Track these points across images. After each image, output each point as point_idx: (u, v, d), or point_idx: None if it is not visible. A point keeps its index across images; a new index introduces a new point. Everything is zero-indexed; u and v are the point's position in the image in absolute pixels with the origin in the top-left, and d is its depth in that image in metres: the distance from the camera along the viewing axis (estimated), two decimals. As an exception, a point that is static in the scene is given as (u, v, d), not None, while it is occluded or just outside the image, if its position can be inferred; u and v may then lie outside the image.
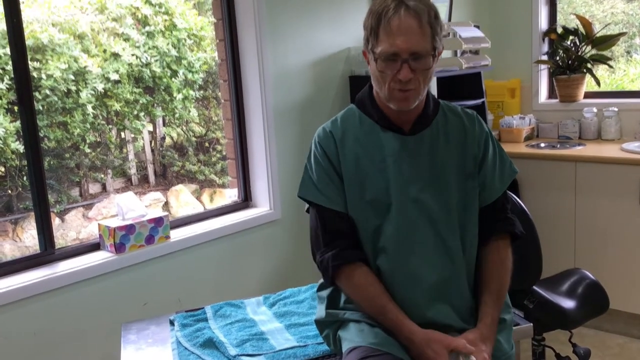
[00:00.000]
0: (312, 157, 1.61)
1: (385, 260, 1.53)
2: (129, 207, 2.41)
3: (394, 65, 1.44)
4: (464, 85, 3.39)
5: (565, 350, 2.25)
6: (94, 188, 4.71)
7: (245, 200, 2.93)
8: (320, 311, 1.67)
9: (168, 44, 4.57)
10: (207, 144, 5.38)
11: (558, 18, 3.97)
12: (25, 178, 3.90)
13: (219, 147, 5.33)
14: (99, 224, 2.40)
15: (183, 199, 4.90)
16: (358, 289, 1.54)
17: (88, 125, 4.22)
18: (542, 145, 3.60)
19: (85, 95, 4.12)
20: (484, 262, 1.60)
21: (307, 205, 1.63)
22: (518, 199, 2.17)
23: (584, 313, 2.23)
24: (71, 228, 4.41)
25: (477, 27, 3.68)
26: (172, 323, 1.95)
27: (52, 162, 4.25)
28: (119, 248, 2.32)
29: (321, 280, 1.69)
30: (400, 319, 1.48)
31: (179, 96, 4.71)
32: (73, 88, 4.07)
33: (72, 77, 4.06)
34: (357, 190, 1.54)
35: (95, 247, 2.39)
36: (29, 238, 4.11)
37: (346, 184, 1.55)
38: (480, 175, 1.60)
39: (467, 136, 1.60)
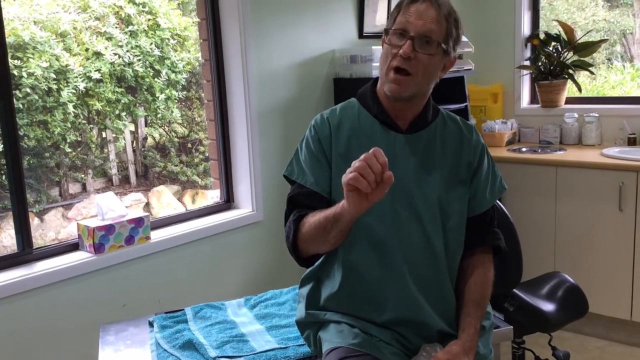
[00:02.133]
0: (304, 141, 1.61)
1: (367, 252, 1.53)
2: (108, 207, 2.38)
3: (401, 41, 1.46)
4: (448, 89, 3.41)
5: (544, 353, 2.26)
6: (74, 188, 4.66)
7: (228, 201, 2.92)
8: (301, 311, 1.67)
9: (151, 43, 4.54)
10: (189, 145, 5.35)
11: (540, 24, 4.01)
12: (3, 177, 3.85)
13: (201, 148, 5.30)
14: (78, 224, 2.37)
15: (164, 200, 4.86)
16: (308, 219, 1.48)
17: (69, 125, 4.18)
18: (524, 149, 3.63)
19: (66, 94, 4.08)
20: (467, 273, 1.60)
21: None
22: (499, 202, 2.18)
23: (564, 316, 2.25)
24: (50, 228, 4.36)
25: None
26: (151, 324, 1.93)
27: (31, 162, 4.20)
28: (98, 248, 2.29)
29: (303, 275, 1.68)
30: (332, 208, 1.40)
31: (162, 96, 4.68)
32: (54, 87, 4.03)
33: (53, 75, 4.02)
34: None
35: (74, 247, 2.36)
36: (7, 238, 4.06)
37: (334, 172, 1.55)
38: (472, 185, 1.61)
39: (464, 144, 1.61)
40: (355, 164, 1.26)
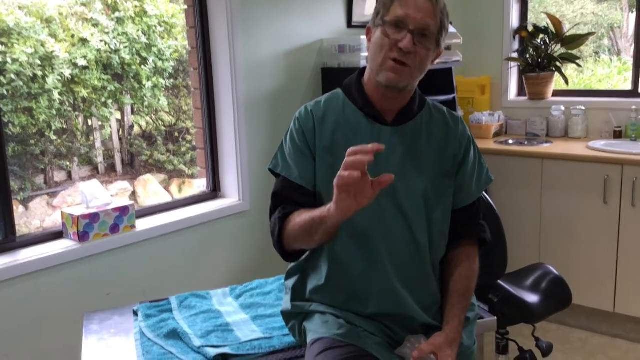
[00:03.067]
0: (288, 134, 1.60)
1: (352, 247, 1.53)
2: (93, 195, 2.36)
3: (399, 34, 1.45)
4: (436, 81, 3.41)
5: (528, 344, 2.28)
6: (59, 176, 4.62)
7: (214, 190, 2.90)
8: (286, 302, 1.67)
9: (138, 30, 4.50)
10: (176, 134, 5.32)
11: (529, 16, 4.02)
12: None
13: (189, 137, 5.28)
14: (62, 212, 2.35)
15: (151, 189, 4.84)
16: (294, 217, 1.48)
17: (54, 112, 4.14)
18: (511, 141, 3.65)
19: (51, 80, 4.04)
20: (452, 265, 1.60)
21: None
22: (485, 194, 2.19)
23: (547, 307, 2.27)
24: (35, 216, 4.32)
25: (450, 23, 3.69)
26: (135, 313, 1.92)
27: (16, 149, 4.16)
28: (82, 237, 2.27)
29: (288, 268, 1.68)
30: (319, 210, 1.40)
31: (149, 84, 4.65)
32: (39, 73, 3.99)
33: (38, 62, 3.97)
34: (327, 172, 1.53)
35: (58, 235, 2.34)
36: (-10, 225, 4.01)
37: (318, 164, 1.54)
38: (458, 177, 1.60)
39: (449, 135, 1.60)
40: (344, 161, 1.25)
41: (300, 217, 1.45)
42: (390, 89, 1.51)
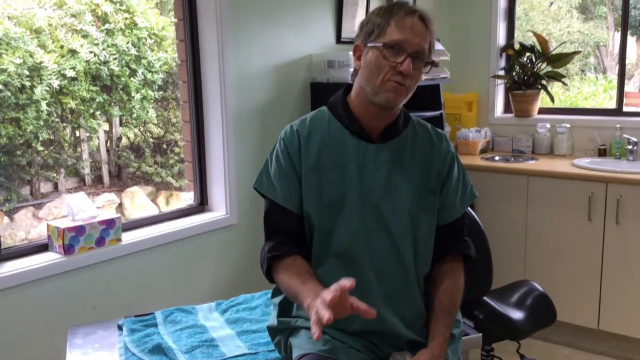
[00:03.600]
0: (274, 153, 1.61)
1: (338, 264, 1.53)
2: (79, 207, 2.35)
3: (398, 57, 1.46)
4: (424, 97, 3.44)
5: (513, 360, 2.29)
6: (45, 187, 4.59)
7: (201, 204, 2.90)
8: (273, 318, 1.67)
9: (128, 42, 4.50)
10: (165, 146, 5.31)
11: (516, 34, 4.07)
12: (-28, 174, 3.78)
13: (177, 149, 5.27)
14: (47, 224, 2.33)
15: (138, 201, 4.82)
16: (285, 270, 1.52)
17: (42, 123, 4.12)
18: (497, 158, 3.68)
19: (39, 91, 4.02)
20: (437, 281, 1.61)
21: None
22: (471, 210, 2.20)
23: (532, 324, 2.28)
24: (20, 228, 4.29)
25: (437, 40, 3.73)
26: (120, 328, 1.91)
27: (2, 159, 4.13)
28: (67, 249, 2.26)
29: (275, 286, 1.69)
30: (304, 294, 1.41)
31: (137, 96, 4.64)
32: (27, 84, 3.97)
33: (26, 72, 3.96)
34: (314, 191, 1.54)
35: (43, 247, 2.32)
36: (-26, 237, 3.97)
37: (304, 184, 1.55)
38: (442, 194, 1.62)
39: (433, 152, 1.62)
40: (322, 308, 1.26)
41: (288, 283, 1.49)
42: (385, 108, 1.53)
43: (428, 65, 1.52)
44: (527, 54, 3.90)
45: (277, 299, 1.67)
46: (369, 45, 1.50)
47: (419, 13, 1.49)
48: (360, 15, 3.40)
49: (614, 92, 3.77)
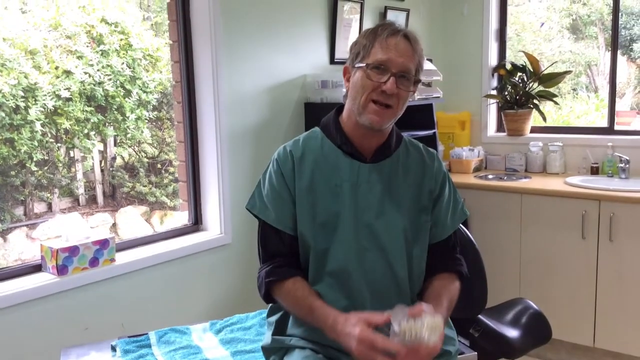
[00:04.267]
0: (267, 173, 1.62)
1: (333, 284, 1.54)
2: (73, 228, 2.35)
3: (382, 76, 1.48)
4: (417, 116, 3.46)
5: (508, 379, 2.28)
6: (39, 207, 4.57)
7: (196, 223, 2.90)
8: (267, 337, 1.66)
9: (123, 63, 4.52)
10: (159, 166, 5.31)
11: (507, 54, 4.12)
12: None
13: (171, 169, 5.27)
14: (41, 245, 2.32)
15: (132, 221, 4.80)
16: (287, 295, 1.54)
17: (36, 143, 4.12)
18: (490, 176, 3.69)
19: (34, 111, 4.03)
20: (430, 286, 1.61)
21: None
22: (465, 229, 2.21)
23: (528, 342, 2.27)
24: (14, 248, 4.26)
25: (430, 60, 3.77)
26: (114, 349, 1.90)
27: (-4, 180, 4.12)
28: (61, 270, 2.25)
29: (271, 305, 1.68)
30: (326, 311, 1.46)
31: (132, 116, 4.65)
32: (22, 104, 3.97)
33: (21, 93, 3.96)
34: (308, 211, 1.55)
35: (36, 268, 2.31)
36: (-33, 258, 3.95)
37: (298, 205, 1.55)
38: (434, 212, 1.63)
39: (425, 171, 1.63)
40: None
41: (303, 300, 1.51)
42: (371, 129, 1.54)
43: (416, 84, 1.54)
44: (519, 73, 3.95)
45: (273, 318, 1.66)
46: (355, 66, 1.53)
47: (404, 32, 1.51)
48: (354, 36, 3.43)
49: (605, 111, 3.81)
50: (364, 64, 1.50)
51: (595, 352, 3.19)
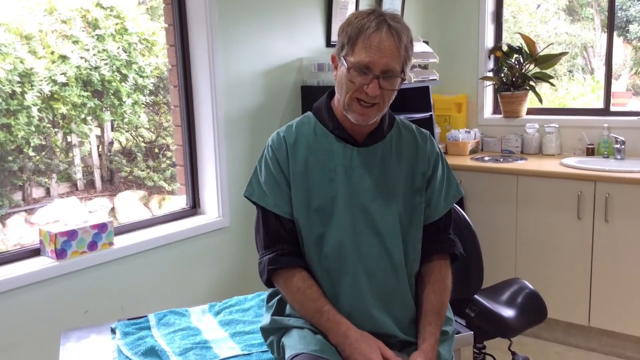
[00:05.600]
0: (262, 160, 1.63)
1: (328, 268, 1.55)
2: (71, 212, 2.36)
3: (364, 78, 1.47)
4: (413, 99, 3.46)
5: (505, 358, 2.31)
6: (37, 192, 4.57)
7: (194, 207, 2.91)
8: (266, 318, 1.68)
9: (118, 47, 4.50)
10: (156, 150, 5.31)
11: (504, 36, 4.11)
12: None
13: (169, 154, 5.27)
14: (39, 229, 2.34)
15: (130, 206, 4.81)
16: (295, 292, 1.56)
17: (33, 128, 4.11)
18: (486, 158, 3.71)
19: (30, 97, 4.02)
20: (425, 280, 1.63)
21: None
22: (461, 210, 2.22)
23: (523, 322, 2.30)
24: (12, 233, 4.28)
25: (427, 42, 3.76)
26: (113, 331, 1.92)
27: (-7, 165, 4.12)
28: (59, 254, 2.27)
29: (271, 290, 1.70)
30: (337, 318, 1.51)
31: (129, 101, 4.64)
32: (18, 89, 3.96)
33: (17, 78, 3.95)
34: (303, 196, 1.56)
35: (35, 252, 2.33)
36: (-34, 243, 3.96)
37: (293, 190, 1.57)
38: (427, 193, 1.64)
39: (418, 153, 1.64)
40: None
41: (311, 302, 1.54)
42: (361, 126, 1.56)
43: (401, 80, 1.52)
44: (515, 55, 3.94)
45: (273, 301, 1.68)
46: (341, 59, 1.51)
47: (388, 26, 1.46)
48: (350, 19, 3.42)
49: (601, 93, 3.82)
50: (347, 65, 1.48)
51: (591, 331, 3.23)
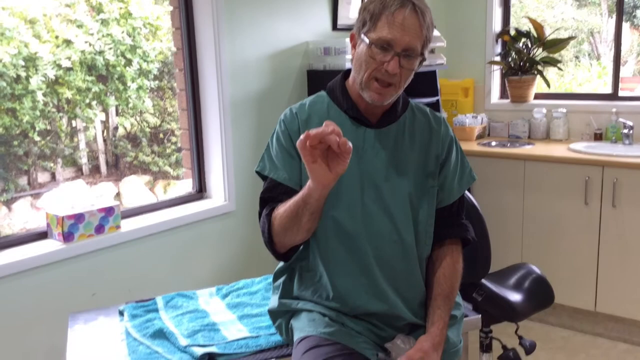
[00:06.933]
0: (274, 135, 1.61)
1: (339, 247, 1.54)
2: (78, 195, 2.35)
3: (385, 56, 1.45)
4: (420, 83, 3.43)
5: (511, 342, 2.31)
6: (43, 177, 4.58)
7: (200, 191, 2.91)
8: (274, 301, 1.68)
9: (123, 32, 4.49)
10: (161, 135, 5.31)
11: (511, 21, 4.07)
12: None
13: (173, 139, 5.27)
14: (46, 212, 2.34)
15: (136, 190, 4.82)
16: (276, 213, 1.48)
17: (38, 113, 4.11)
18: (493, 143, 3.69)
19: (35, 81, 4.01)
20: (437, 265, 1.63)
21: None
22: (469, 195, 2.21)
23: (530, 306, 2.30)
24: (18, 218, 4.29)
25: (434, 26, 3.73)
26: (121, 313, 1.92)
27: (-1, 150, 4.12)
28: (67, 237, 2.27)
29: (276, 269, 1.70)
30: (300, 192, 1.41)
31: (133, 85, 4.63)
32: (23, 74, 3.95)
33: (22, 62, 3.94)
34: None
35: (42, 235, 2.33)
36: (-28, 227, 3.98)
37: (304, 166, 1.55)
38: (440, 176, 1.63)
39: (432, 136, 1.62)
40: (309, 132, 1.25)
41: (285, 206, 1.46)
42: (376, 106, 1.54)
43: (420, 60, 1.50)
44: (523, 39, 3.91)
45: (279, 281, 1.68)
46: (361, 36, 1.49)
47: (412, 4, 1.44)
48: (356, 2, 3.39)
49: (607, 79, 3.79)
50: (368, 41, 1.46)
51: (597, 317, 3.23)
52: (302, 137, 1.25)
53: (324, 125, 1.25)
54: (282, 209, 1.47)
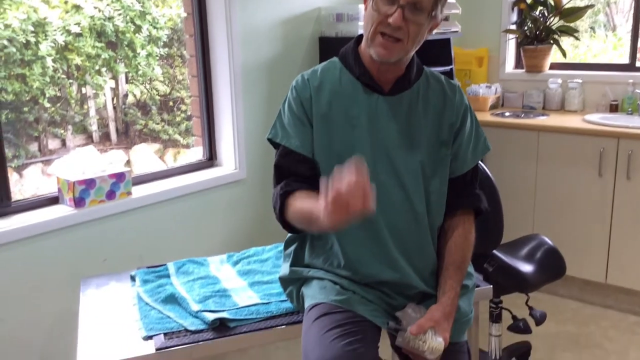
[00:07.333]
0: (286, 102, 1.59)
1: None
2: (89, 161, 2.35)
3: (389, 8, 1.41)
4: (433, 51, 3.38)
5: (521, 313, 2.30)
6: (53, 144, 4.59)
7: (210, 159, 2.89)
8: (285, 268, 1.68)
9: (132, -3, 4.44)
10: (171, 103, 5.28)
11: (528, -12, 3.98)
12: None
13: (183, 107, 5.25)
14: (57, 178, 2.34)
15: (145, 158, 4.82)
16: (290, 206, 1.48)
17: (47, 79, 4.09)
18: (507, 114, 3.64)
19: (45, 47, 3.98)
20: (449, 235, 1.61)
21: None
22: (483, 165, 2.19)
23: (542, 277, 2.29)
24: (30, 184, 4.31)
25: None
26: (133, 279, 1.93)
27: (9, 116, 4.12)
28: (78, 202, 2.27)
29: (287, 237, 1.69)
30: (317, 207, 1.33)
31: (143, 53, 4.59)
32: (32, 39, 3.93)
33: (31, 28, 3.91)
34: (325, 140, 1.53)
35: (53, 201, 2.33)
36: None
37: (315, 132, 1.53)
38: (454, 145, 1.60)
39: (446, 104, 1.59)
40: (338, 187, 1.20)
41: (301, 205, 1.45)
42: (383, 63, 1.50)
43: (430, 18, 1.45)
44: (540, 7, 3.83)
45: (290, 250, 1.67)
46: None
47: None
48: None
49: (623, 50, 3.71)
50: None
51: (608, 289, 3.22)
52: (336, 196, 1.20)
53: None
54: (298, 205, 1.46)
